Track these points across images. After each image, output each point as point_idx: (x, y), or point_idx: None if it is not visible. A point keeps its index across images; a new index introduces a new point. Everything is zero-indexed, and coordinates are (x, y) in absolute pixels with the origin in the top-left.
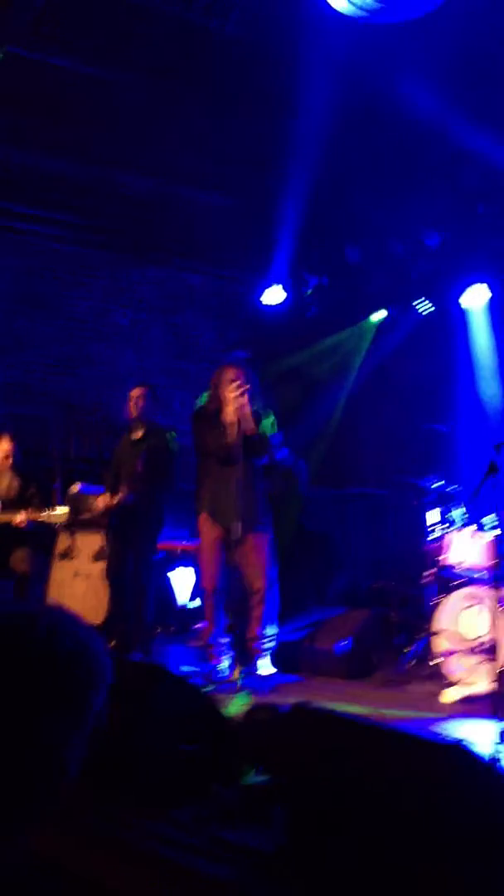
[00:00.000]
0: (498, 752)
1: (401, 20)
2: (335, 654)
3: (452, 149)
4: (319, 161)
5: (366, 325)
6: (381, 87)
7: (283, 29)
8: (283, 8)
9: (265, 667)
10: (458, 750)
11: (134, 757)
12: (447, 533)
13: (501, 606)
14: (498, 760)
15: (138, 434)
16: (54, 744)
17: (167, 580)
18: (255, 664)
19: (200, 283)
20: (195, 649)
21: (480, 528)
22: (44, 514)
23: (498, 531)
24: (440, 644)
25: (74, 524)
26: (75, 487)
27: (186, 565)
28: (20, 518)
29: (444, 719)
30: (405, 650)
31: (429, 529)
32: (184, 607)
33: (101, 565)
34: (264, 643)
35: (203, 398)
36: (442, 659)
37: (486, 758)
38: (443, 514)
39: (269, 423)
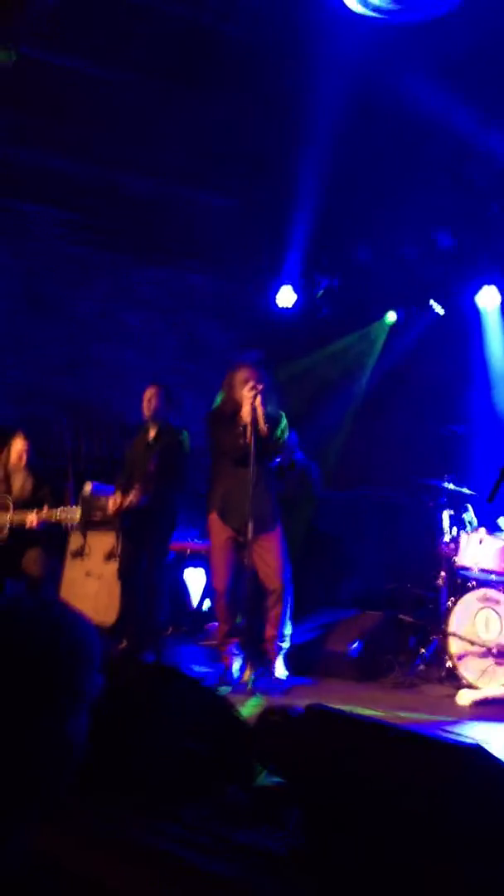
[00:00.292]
0: None
1: (416, 21)
2: (348, 656)
3: (464, 148)
4: (330, 161)
5: (378, 327)
6: (391, 87)
7: (290, 29)
8: (290, 8)
9: (280, 668)
10: (477, 752)
11: (146, 757)
12: (461, 535)
13: None
14: None
15: (151, 434)
16: (54, 731)
17: (182, 580)
18: (272, 665)
19: (209, 284)
20: (207, 650)
21: (495, 530)
22: (56, 514)
23: None
24: (454, 646)
25: (86, 524)
26: (88, 487)
27: (196, 566)
28: (32, 518)
29: (458, 722)
30: (419, 652)
31: (442, 531)
32: (197, 608)
33: (112, 565)
34: (281, 644)
35: (218, 400)
36: (456, 661)
37: None
38: (457, 516)
39: (282, 424)
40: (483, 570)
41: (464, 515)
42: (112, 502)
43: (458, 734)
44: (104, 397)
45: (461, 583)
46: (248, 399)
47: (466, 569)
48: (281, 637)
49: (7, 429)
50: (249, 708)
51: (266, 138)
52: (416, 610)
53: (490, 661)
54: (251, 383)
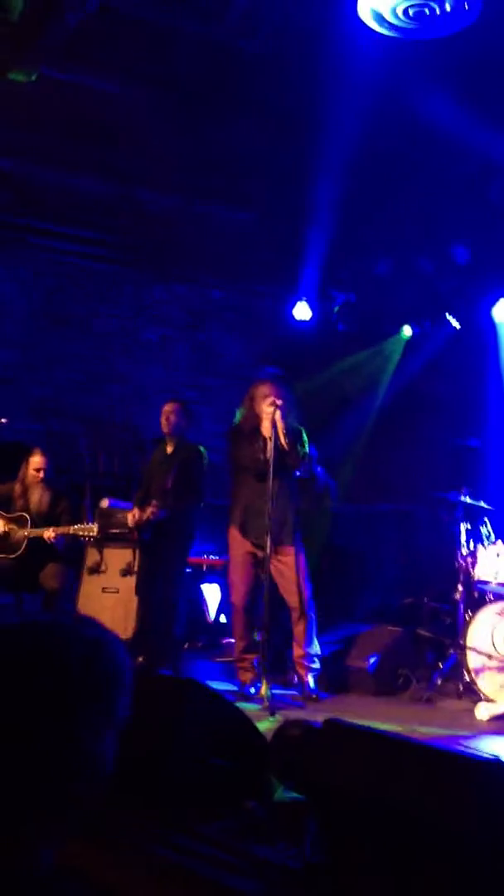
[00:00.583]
0: None
1: (434, 37)
2: (366, 670)
3: (481, 163)
4: (347, 177)
5: (395, 341)
6: (408, 102)
7: (309, 45)
8: (312, 24)
9: (311, 686)
10: (496, 766)
11: (166, 770)
12: (478, 548)
13: None
14: None
15: (169, 449)
16: (88, 750)
17: (200, 594)
18: (307, 685)
19: (227, 300)
20: (223, 665)
21: None
22: (73, 529)
23: None
24: (472, 660)
25: (103, 539)
26: (105, 503)
27: (212, 581)
28: (50, 533)
29: (476, 736)
30: (437, 667)
31: (459, 545)
32: (213, 623)
33: (129, 580)
34: (311, 665)
35: (238, 415)
36: (474, 675)
37: None
38: (474, 529)
39: (304, 438)
40: (501, 584)
41: (481, 529)
42: (131, 516)
43: (477, 748)
44: (123, 413)
45: (479, 596)
46: (269, 414)
47: (484, 582)
48: (309, 658)
49: (26, 444)
50: (266, 723)
51: (285, 154)
52: (433, 624)
53: None
54: (271, 398)
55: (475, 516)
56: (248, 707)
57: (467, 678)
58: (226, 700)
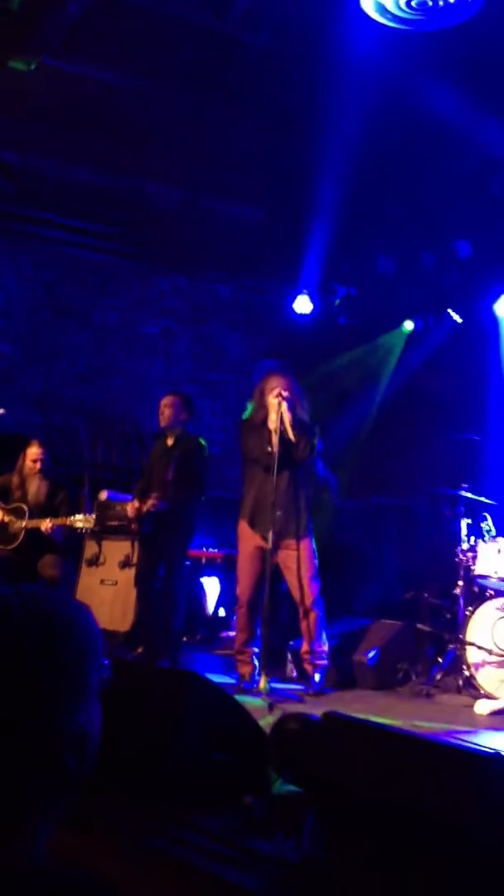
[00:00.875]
0: None
1: (437, 29)
2: (366, 665)
3: (484, 157)
4: (350, 171)
5: (396, 336)
6: (411, 97)
7: (313, 39)
8: (315, 19)
9: (318, 683)
10: (496, 760)
11: (165, 764)
12: (479, 544)
13: None
14: None
15: (170, 442)
16: (67, 721)
17: (200, 587)
18: (312, 680)
19: (229, 294)
20: (222, 658)
21: None
22: (71, 520)
23: None
24: (472, 656)
25: (102, 531)
26: (103, 495)
27: (211, 574)
28: (47, 524)
29: (476, 731)
30: (436, 662)
31: (460, 540)
32: (212, 616)
33: (128, 573)
34: (319, 662)
35: (249, 408)
36: (473, 671)
37: None
38: (474, 524)
39: (315, 431)
40: (501, 580)
41: (482, 524)
42: (131, 507)
43: (476, 743)
44: (124, 406)
45: (479, 592)
46: (275, 406)
47: (484, 577)
48: (317, 655)
49: (26, 436)
50: (266, 717)
51: (288, 148)
52: (433, 619)
53: None
54: (277, 390)
55: (476, 511)
56: (247, 700)
57: (467, 673)
58: (225, 693)
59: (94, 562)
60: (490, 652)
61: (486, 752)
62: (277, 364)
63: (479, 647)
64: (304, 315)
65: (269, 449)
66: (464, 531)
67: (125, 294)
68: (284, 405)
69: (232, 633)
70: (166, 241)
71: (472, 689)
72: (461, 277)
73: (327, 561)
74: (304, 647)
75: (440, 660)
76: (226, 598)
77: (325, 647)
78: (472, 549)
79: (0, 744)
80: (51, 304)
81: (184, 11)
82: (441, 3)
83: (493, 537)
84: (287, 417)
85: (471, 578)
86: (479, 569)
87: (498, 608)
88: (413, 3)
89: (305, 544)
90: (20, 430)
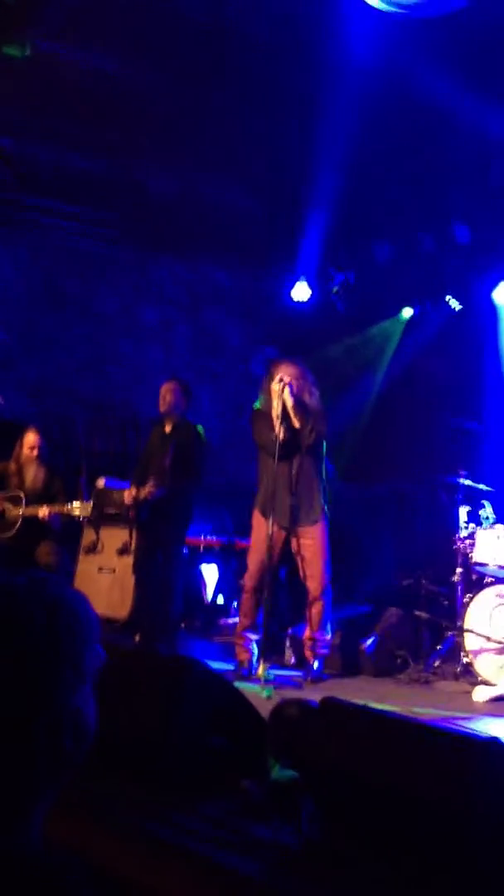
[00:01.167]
0: None
1: (436, 15)
2: (364, 652)
3: (484, 143)
4: (348, 157)
5: (395, 322)
6: (410, 82)
7: (309, 26)
8: (308, 5)
9: (316, 669)
10: (494, 745)
11: (163, 749)
12: (477, 531)
13: None
14: None
15: (167, 428)
16: (63, 705)
17: (198, 574)
18: (311, 667)
19: (227, 281)
20: (220, 645)
21: None
22: (68, 507)
23: None
24: (470, 643)
25: (99, 519)
26: (101, 482)
27: (210, 561)
28: (44, 511)
29: (474, 717)
30: (434, 648)
31: (458, 527)
32: (211, 603)
33: (125, 560)
34: (321, 651)
35: (260, 397)
36: (472, 658)
37: None
38: (473, 511)
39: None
40: (500, 567)
41: (480, 511)
42: (128, 494)
43: (474, 729)
44: (122, 393)
45: (477, 579)
46: (277, 393)
47: (483, 565)
48: (317, 643)
49: (23, 423)
50: (264, 702)
51: (285, 134)
52: (431, 606)
53: None
54: (279, 376)
55: (475, 498)
56: (245, 686)
57: (465, 660)
58: (224, 679)
59: (92, 549)
60: (488, 639)
61: (484, 738)
62: (276, 351)
63: (478, 634)
64: (303, 302)
65: (273, 436)
66: (462, 518)
67: (123, 282)
68: (287, 391)
69: (231, 620)
70: (164, 229)
71: (470, 675)
72: (460, 264)
73: None
74: (307, 633)
75: (438, 647)
76: (224, 586)
77: (328, 637)
78: (471, 536)
79: (1, 725)
80: (48, 292)
81: None
82: None
83: (492, 524)
84: (289, 403)
85: (469, 565)
86: (477, 556)
87: (496, 595)
88: None
89: (318, 532)
90: (17, 417)
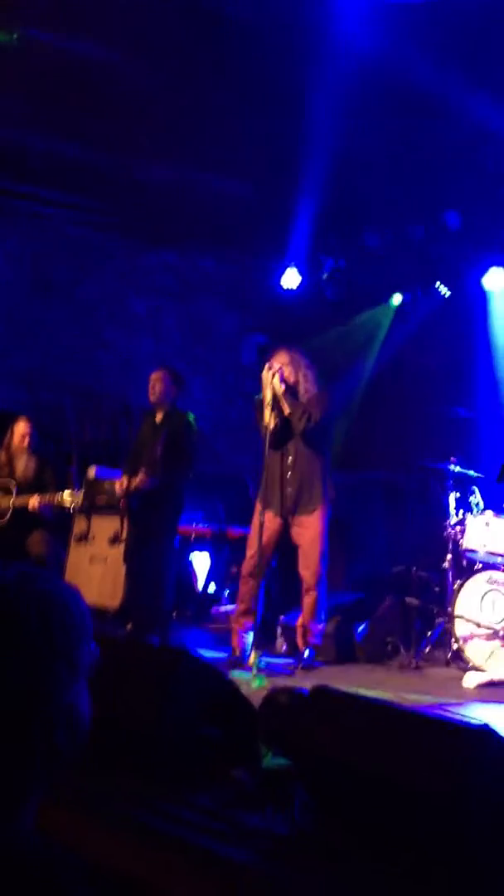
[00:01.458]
0: None
1: (426, 0)
2: (355, 639)
3: (475, 129)
4: (338, 144)
5: (385, 309)
6: (400, 67)
7: (296, 10)
8: None
9: (307, 657)
10: (485, 732)
11: (155, 740)
12: (467, 517)
13: None
14: None
15: (158, 417)
16: (56, 701)
17: (189, 564)
18: (302, 655)
19: (217, 269)
20: (212, 633)
21: (502, 512)
22: (59, 497)
23: None
24: (460, 629)
25: (90, 508)
26: (92, 471)
27: (202, 549)
28: (34, 501)
29: (464, 704)
30: (425, 635)
31: (448, 514)
32: (202, 592)
33: (117, 549)
34: (312, 640)
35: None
36: (462, 644)
37: None
38: (463, 498)
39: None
40: (490, 553)
41: (470, 498)
42: (119, 485)
43: (464, 715)
44: (112, 382)
45: (467, 565)
46: (268, 380)
47: (473, 551)
48: (312, 632)
49: (13, 413)
50: (255, 690)
51: (274, 121)
52: (422, 593)
53: (496, 643)
54: (268, 364)
55: (465, 485)
56: (236, 674)
57: (455, 646)
58: (215, 668)
59: (83, 538)
60: (478, 625)
61: (475, 724)
62: (266, 338)
63: (468, 621)
64: (292, 290)
65: (265, 424)
66: (452, 505)
67: (112, 269)
68: (276, 378)
69: (222, 609)
70: (153, 216)
71: (460, 661)
72: (450, 250)
73: None
74: (300, 621)
75: (429, 633)
76: (216, 574)
77: (321, 626)
78: (461, 522)
79: None
80: (37, 280)
81: None
82: None
83: (482, 511)
84: (279, 389)
85: (459, 552)
86: (467, 542)
87: (486, 581)
88: None
89: (316, 521)
90: (7, 406)
